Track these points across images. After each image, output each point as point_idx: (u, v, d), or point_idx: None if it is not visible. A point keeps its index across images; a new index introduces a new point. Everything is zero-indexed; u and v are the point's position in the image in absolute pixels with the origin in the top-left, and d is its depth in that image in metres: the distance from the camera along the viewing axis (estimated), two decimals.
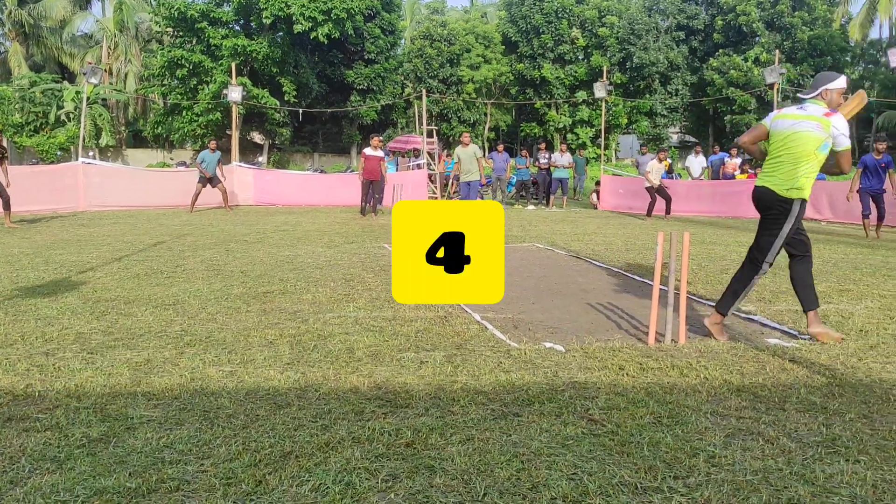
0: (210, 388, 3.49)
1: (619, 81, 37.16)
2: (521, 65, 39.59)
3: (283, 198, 18.63)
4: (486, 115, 40.32)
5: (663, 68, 37.71)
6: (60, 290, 6.05)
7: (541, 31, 38.89)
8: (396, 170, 21.88)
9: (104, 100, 38.65)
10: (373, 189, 15.19)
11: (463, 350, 4.25)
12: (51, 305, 5.39)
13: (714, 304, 4.87)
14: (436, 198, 19.65)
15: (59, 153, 34.52)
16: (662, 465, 2.65)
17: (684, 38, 39.05)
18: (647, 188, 15.71)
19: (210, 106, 32.50)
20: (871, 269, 7.76)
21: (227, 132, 31.44)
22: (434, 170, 20.86)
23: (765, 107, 34.05)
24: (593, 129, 37.73)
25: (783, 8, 35.77)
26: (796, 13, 35.85)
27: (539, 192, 20.43)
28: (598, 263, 8.24)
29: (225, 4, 35.08)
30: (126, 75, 41.00)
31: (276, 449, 2.76)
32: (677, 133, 45.61)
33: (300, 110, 32.29)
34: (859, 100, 4.81)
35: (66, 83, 38.05)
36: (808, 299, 4.61)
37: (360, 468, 2.59)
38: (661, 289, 4.62)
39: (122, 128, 41.36)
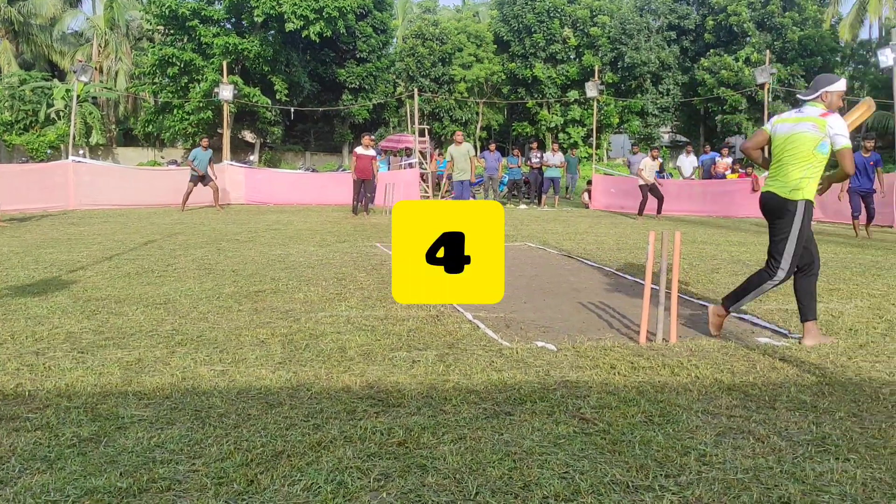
0: (201, 387, 3.48)
1: (610, 81, 37.22)
2: (513, 64, 39.61)
3: (274, 197, 18.59)
4: (477, 114, 40.31)
5: (654, 68, 37.81)
6: (50, 289, 6.02)
7: (532, 30, 38.91)
8: (388, 169, 21.87)
9: (94, 98, 38.42)
10: (364, 188, 15.18)
11: (455, 349, 4.25)
12: (41, 304, 5.36)
13: (704, 303, 4.89)
14: (428, 197, 19.65)
15: (48, 151, 34.30)
16: (654, 463, 2.66)
17: (675, 37, 39.16)
18: (640, 186, 15.75)
19: (201, 104, 32.38)
20: (861, 269, 7.81)
21: (219, 131, 31.29)
22: (426, 169, 20.85)
23: (755, 107, 34.18)
24: (585, 129, 37.79)
25: (774, 8, 35.90)
26: (787, 13, 35.98)
27: (531, 192, 20.45)
28: (589, 263, 8.26)
29: (216, 2, 34.93)
30: (117, 73, 40.79)
31: (268, 448, 2.75)
32: (668, 133, 45.72)
33: (292, 109, 32.24)
34: (866, 107, 4.81)
35: (56, 81, 37.78)
36: (808, 309, 4.56)
37: (351, 467, 2.59)
38: (652, 288, 4.64)
39: (113, 126, 41.14)
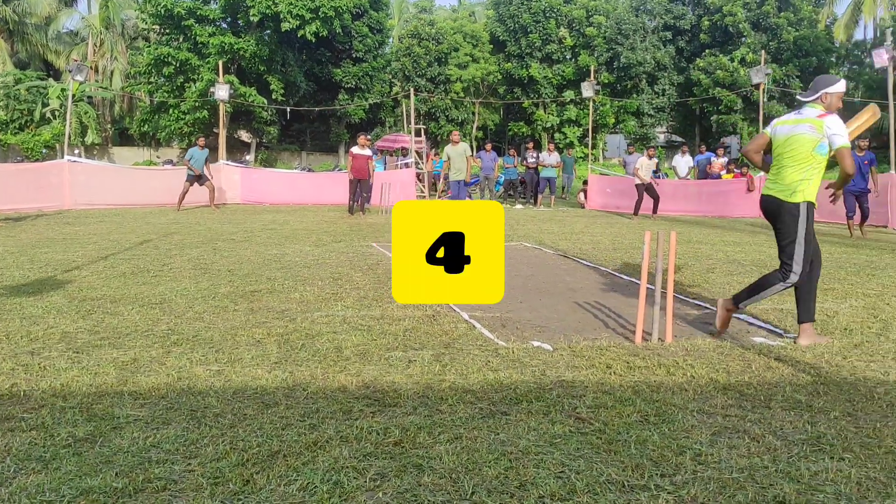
0: (197, 387, 3.48)
1: (606, 81, 37.28)
2: (509, 64, 39.64)
3: (270, 196, 18.56)
4: (474, 114, 40.32)
5: (650, 68, 37.88)
6: (46, 288, 6.01)
7: (529, 30, 38.95)
8: (385, 169, 21.86)
9: (90, 97, 38.33)
10: (360, 188, 15.16)
11: (451, 349, 4.25)
12: (36, 304, 5.35)
13: (700, 303, 4.89)
14: (424, 197, 19.64)
15: (44, 151, 34.20)
16: (649, 463, 2.67)
17: (671, 38, 39.23)
18: (636, 185, 15.76)
19: (197, 104, 32.31)
20: (856, 269, 7.83)
21: (215, 130, 31.27)
22: (422, 169, 20.85)
23: (751, 107, 34.25)
24: (581, 129, 37.83)
25: (769, 9, 36.00)
26: (782, 14, 36.07)
27: (527, 192, 20.46)
28: (585, 262, 8.27)
29: (212, 2, 34.87)
30: (112, 73, 40.70)
31: (264, 448, 2.75)
32: (664, 133, 45.79)
33: (288, 109, 32.18)
34: (871, 113, 4.80)
35: (51, 80, 37.71)
36: (805, 311, 4.55)
37: (348, 467, 2.59)
38: (648, 288, 4.65)
39: (108, 126, 41.05)
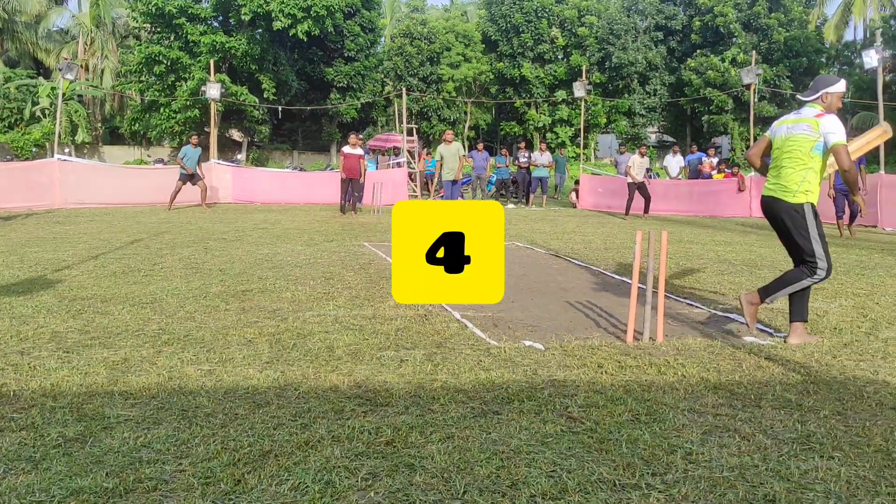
0: (188, 386, 3.47)
1: (598, 81, 37.38)
2: (501, 64, 39.68)
3: (261, 195, 18.52)
4: (466, 113, 40.34)
5: (642, 68, 38.00)
6: (36, 288, 5.97)
7: (521, 30, 39.00)
8: (377, 168, 21.84)
9: (80, 96, 38.18)
10: (352, 187, 15.15)
11: (443, 348, 4.25)
12: (26, 304, 5.32)
13: (691, 302, 4.91)
14: (416, 196, 19.64)
15: (34, 150, 34.06)
16: (640, 462, 2.68)
17: (662, 38, 39.36)
18: (628, 184, 15.79)
19: (188, 103, 32.24)
20: (845, 268, 7.87)
21: (206, 129, 31.15)
22: (414, 168, 20.84)
23: (741, 107, 34.40)
24: (572, 129, 37.92)
25: (760, 9, 36.15)
26: (773, 14, 36.23)
27: (519, 191, 20.49)
28: (577, 262, 8.28)
29: (203, 0, 34.78)
30: (103, 71, 40.53)
31: (255, 448, 2.75)
32: (655, 132, 45.94)
33: (279, 108, 32.13)
34: (881, 131, 4.79)
35: (41, 79, 37.52)
36: (798, 311, 4.56)
37: (339, 467, 2.59)
38: (639, 287, 4.66)
39: (99, 124, 40.88)
